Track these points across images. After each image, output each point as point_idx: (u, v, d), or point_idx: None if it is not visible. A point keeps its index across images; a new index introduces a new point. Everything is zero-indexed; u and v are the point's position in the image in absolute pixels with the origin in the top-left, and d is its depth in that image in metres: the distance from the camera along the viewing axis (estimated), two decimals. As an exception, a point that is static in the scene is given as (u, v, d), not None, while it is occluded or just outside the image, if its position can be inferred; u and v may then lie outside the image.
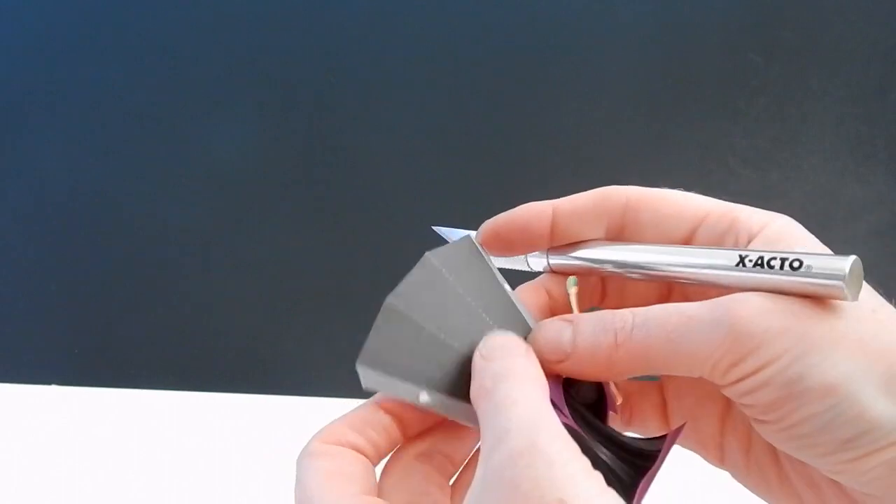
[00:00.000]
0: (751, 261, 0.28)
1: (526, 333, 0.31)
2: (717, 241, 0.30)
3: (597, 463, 0.28)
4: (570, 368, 0.29)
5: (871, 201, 0.76)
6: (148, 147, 0.80)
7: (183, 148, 0.80)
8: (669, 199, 0.31)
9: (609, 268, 0.32)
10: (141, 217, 0.82)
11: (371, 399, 0.30)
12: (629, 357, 0.28)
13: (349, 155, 0.80)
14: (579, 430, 0.29)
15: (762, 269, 0.27)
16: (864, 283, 0.27)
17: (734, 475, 0.32)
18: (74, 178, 0.82)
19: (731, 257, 0.28)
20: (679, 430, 0.29)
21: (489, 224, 0.32)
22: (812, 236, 0.29)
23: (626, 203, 0.31)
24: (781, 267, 0.27)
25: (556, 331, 0.29)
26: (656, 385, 0.34)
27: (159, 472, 0.71)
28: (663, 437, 0.29)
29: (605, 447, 0.29)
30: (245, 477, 0.69)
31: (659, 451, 0.28)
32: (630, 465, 0.29)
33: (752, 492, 0.32)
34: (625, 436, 0.30)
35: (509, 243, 0.32)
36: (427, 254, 0.30)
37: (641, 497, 0.28)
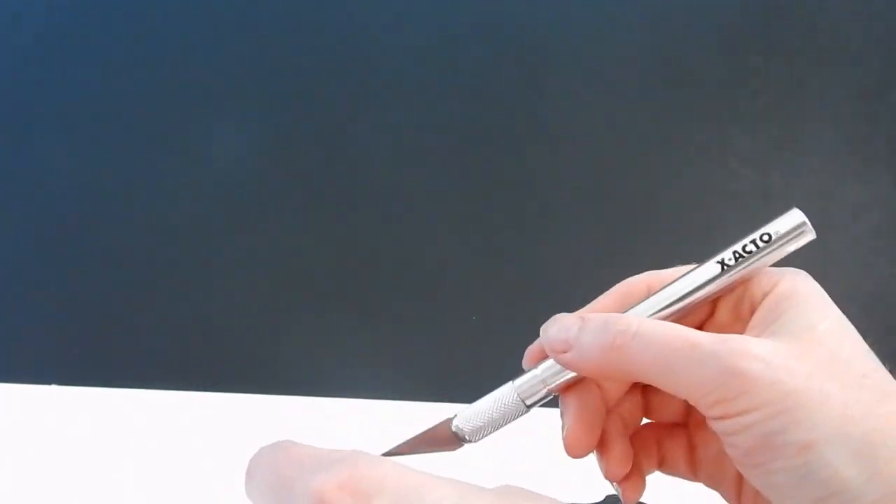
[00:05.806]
0: (730, 260, 0.30)
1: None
2: (736, 309, 0.32)
3: None
4: (571, 360, 0.31)
5: (871, 201, 0.76)
6: (148, 147, 0.80)
7: (183, 148, 0.80)
8: None
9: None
10: (141, 217, 0.82)
11: None
12: (621, 362, 0.30)
13: (350, 154, 0.79)
14: None
15: (745, 260, 0.30)
16: (864, 344, 0.29)
17: None
18: (75, 178, 0.81)
19: (713, 269, 0.31)
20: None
21: (529, 352, 0.34)
22: (819, 288, 0.30)
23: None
24: (757, 247, 0.30)
25: (567, 324, 0.31)
26: (684, 431, 0.36)
27: (159, 473, 0.71)
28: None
29: None
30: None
31: None
32: None
33: None
34: None
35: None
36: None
37: None
